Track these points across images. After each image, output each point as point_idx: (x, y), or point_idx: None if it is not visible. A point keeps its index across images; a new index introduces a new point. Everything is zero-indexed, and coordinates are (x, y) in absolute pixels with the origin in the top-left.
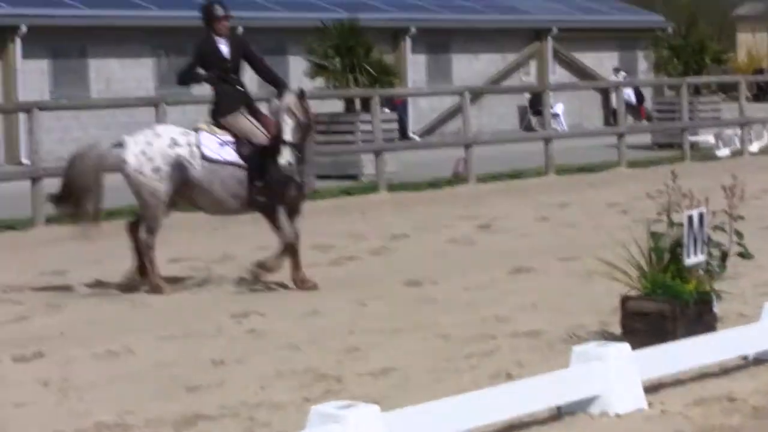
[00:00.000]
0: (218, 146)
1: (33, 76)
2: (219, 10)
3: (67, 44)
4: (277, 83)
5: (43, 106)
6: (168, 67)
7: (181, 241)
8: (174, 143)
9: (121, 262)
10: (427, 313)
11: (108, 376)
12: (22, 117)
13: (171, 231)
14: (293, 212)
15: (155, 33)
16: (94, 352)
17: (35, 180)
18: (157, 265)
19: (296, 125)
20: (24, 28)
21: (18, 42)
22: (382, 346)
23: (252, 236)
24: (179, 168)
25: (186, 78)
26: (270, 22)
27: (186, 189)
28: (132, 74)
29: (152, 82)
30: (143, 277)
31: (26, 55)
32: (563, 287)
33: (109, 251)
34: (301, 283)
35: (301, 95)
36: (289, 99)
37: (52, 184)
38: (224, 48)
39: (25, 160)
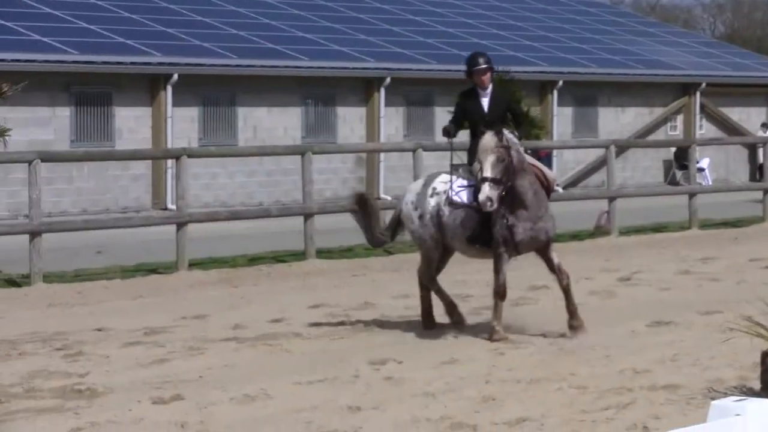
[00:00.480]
0: (462, 189)
1: (183, 124)
2: (480, 62)
3: (216, 92)
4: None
5: (191, 153)
6: (315, 116)
7: (323, 287)
8: (434, 192)
9: (258, 306)
10: (564, 364)
11: (244, 420)
12: (170, 163)
13: (314, 277)
14: (542, 256)
15: (303, 83)
16: (231, 396)
17: (180, 225)
18: (446, 302)
19: (496, 162)
20: (176, 77)
21: (169, 90)
22: (518, 395)
23: (391, 284)
24: (437, 215)
25: (445, 131)
26: (420, 74)
27: (443, 233)
28: (280, 122)
29: (299, 131)
30: (452, 317)
31: (177, 103)
32: (704, 341)
33: (248, 297)
34: (493, 334)
35: (500, 133)
36: (488, 138)
37: (197, 229)
38: (485, 101)
39: (171, 206)
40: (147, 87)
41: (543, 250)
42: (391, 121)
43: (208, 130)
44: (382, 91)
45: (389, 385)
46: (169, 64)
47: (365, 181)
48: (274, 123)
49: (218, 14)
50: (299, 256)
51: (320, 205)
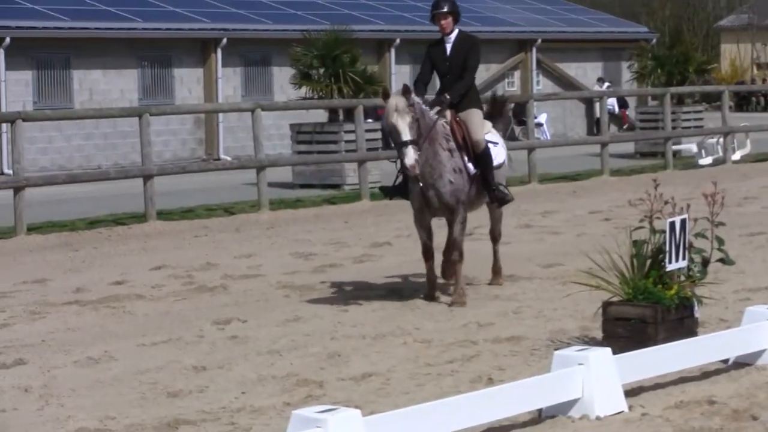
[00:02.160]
0: None
1: (16, 87)
2: (441, 5)
3: (50, 55)
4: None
5: (26, 117)
6: (151, 78)
7: (164, 248)
8: None
9: (99, 269)
10: (409, 319)
11: (89, 383)
12: (5, 127)
13: (155, 239)
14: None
15: (138, 44)
16: (75, 359)
17: (17, 190)
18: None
19: (412, 122)
20: (7, 40)
21: (1, 53)
22: (363, 351)
23: (233, 244)
24: None
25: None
26: (256, 34)
27: None
28: (116, 85)
29: (136, 93)
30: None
31: (9, 66)
32: (545, 294)
33: (89, 260)
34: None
35: (407, 93)
36: (397, 99)
37: (34, 193)
38: (448, 47)
39: (7, 170)
40: None
41: (446, 217)
42: (229, 82)
43: (42, 94)
44: (219, 51)
45: (234, 344)
46: (1, 27)
47: (204, 142)
48: (110, 85)
49: None
50: (140, 218)
51: (160, 166)
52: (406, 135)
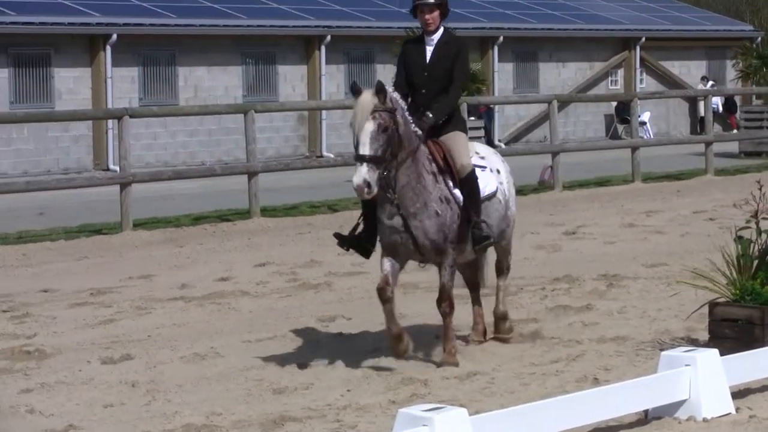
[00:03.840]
0: None
1: (123, 84)
2: None
3: (156, 52)
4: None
5: (133, 113)
6: (255, 75)
7: (269, 245)
8: None
9: (204, 265)
10: (513, 318)
11: (195, 379)
12: (111, 123)
13: (259, 235)
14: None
15: (243, 41)
16: (181, 355)
17: (124, 186)
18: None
19: (377, 132)
20: (115, 37)
21: (109, 50)
22: (468, 350)
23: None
24: None
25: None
26: (359, 31)
27: None
28: (220, 82)
29: (240, 90)
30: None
31: (116, 63)
32: (650, 294)
33: (194, 256)
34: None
35: (382, 91)
36: (366, 98)
37: (140, 189)
38: (429, 49)
39: (113, 166)
40: (86, 47)
41: (428, 259)
42: (333, 79)
43: (148, 91)
44: (323, 48)
45: (339, 342)
46: (108, 24)
47: (308, 139)
48: (214, 82)
49: None
50: (244, 214)
51: (264, 163)
52: (365, 147)
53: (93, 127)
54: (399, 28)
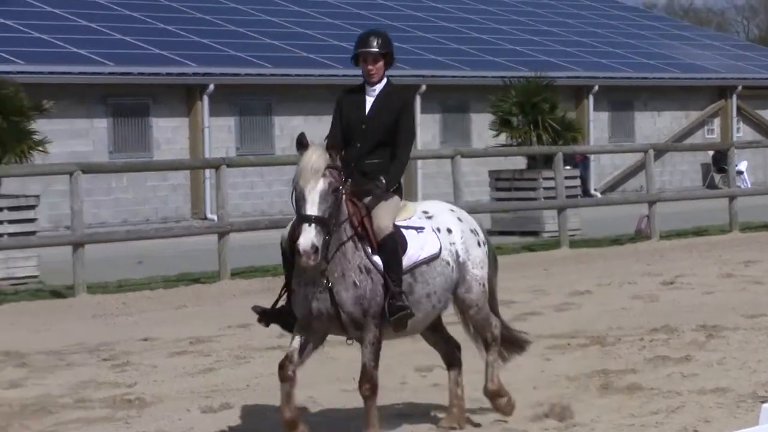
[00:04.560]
0: None
1: (220, 134)
2: (371, 42)
3: (252, 102)
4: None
5: (230, 163)
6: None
7: None
8: None
9: None
10: (611, 368)
11: None
12: (209, 173)
13: None
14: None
15: (338, 91)
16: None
17: (222, 235)
18: None
19: (326, 192)
20: (212, 87)
21: (206, 100)
22: (569, 401)
23: None
24: None
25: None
26: (454, 81)
27: None
28: (316, 131)
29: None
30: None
31: (213, 112)
32: (750, 345)
33: None
34: None
35: (333, 148)
36: (315, 154)
37: (237, 238)
38: (369, 100)
39: (210, 215)
40: (183, 97)
41: (351, 335)
42: (428, 128)
43: (245, 140)
44: (418, 98)
45: (436, 392)
46: (205, 74)
47: (404, 188)
48: (310, 132)
49: (253, 24)
50: None
51: None
52: (313, 207)
53: (191, 176)
54: (494, 77)
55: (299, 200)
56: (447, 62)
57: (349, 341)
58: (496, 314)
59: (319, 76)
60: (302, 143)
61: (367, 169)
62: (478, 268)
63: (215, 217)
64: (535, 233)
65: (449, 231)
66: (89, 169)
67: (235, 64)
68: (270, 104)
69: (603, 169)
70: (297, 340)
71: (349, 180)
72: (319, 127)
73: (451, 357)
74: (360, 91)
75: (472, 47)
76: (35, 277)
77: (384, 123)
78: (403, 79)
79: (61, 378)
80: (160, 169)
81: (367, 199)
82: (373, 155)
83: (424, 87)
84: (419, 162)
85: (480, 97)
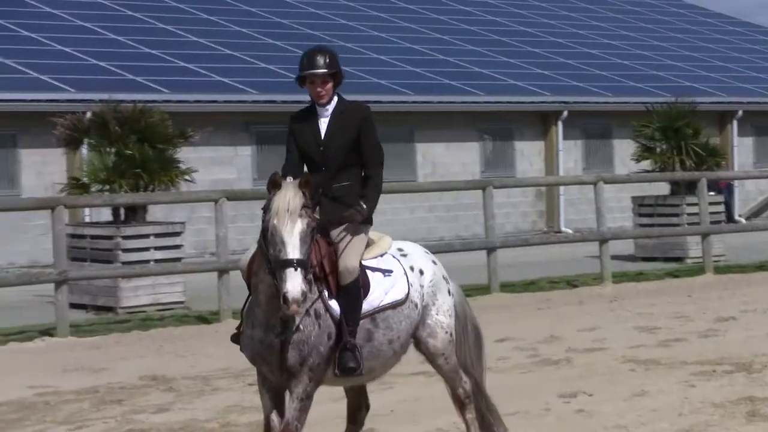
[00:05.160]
0: None
1: None
2: (317, 62)
3: (394, 128)
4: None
5: None
6: (492, 151)
7: (508, 320)
8: None
9: None
10: (758, 396)
11: None
12: None
13: (499, 311)
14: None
15: (481, 117)
16: (424, 430)
17: None
18: None
19: (306, 232)
20: None
21: None
22: (715, 428)
23: (576, 317)
24: None
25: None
26: (597, 107)
27: None
28: (458, 158)
29: (478, 166)
30: None
31: None
32: None
33: None
34: None
35: (308, 185)
36: (290, 192)
37: None
38: (323, 122)
39: None
40: None
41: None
42: (570, 154)
43: (386, 167)
44: (560, 124)
45: (581, 418)
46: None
47: (545, 215)
48: (452, 158)
49: (395, 51)
50: (483, 290)
51: (502, 239)
52: (295, 251)
53: None
54: (636, 103)
55: (277, 244)
56: (589, 88)
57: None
58: (483, 390)
59: (461, 102)
60: (275, 183)
61: (336, 194)
62: (444, 315)
63: None
64: (678, 259)
65: (421, 272)
66: (234, 196)
67: (377, 91)
68: (412, 131)
69: (747, 194)
70: (267, 398)
71: (317, 208)
72: (460, 153)
73: (357, 413)
74: (311, 113)
75: (614, 73)
76: (181, 302)
77: (344, 143)
78: (544, 105)
79: (207, 403)
80: None
81: (335, 232)
82: (340, 178)
83: (566, 113)
84: (561, 188)
85: (622, 122)
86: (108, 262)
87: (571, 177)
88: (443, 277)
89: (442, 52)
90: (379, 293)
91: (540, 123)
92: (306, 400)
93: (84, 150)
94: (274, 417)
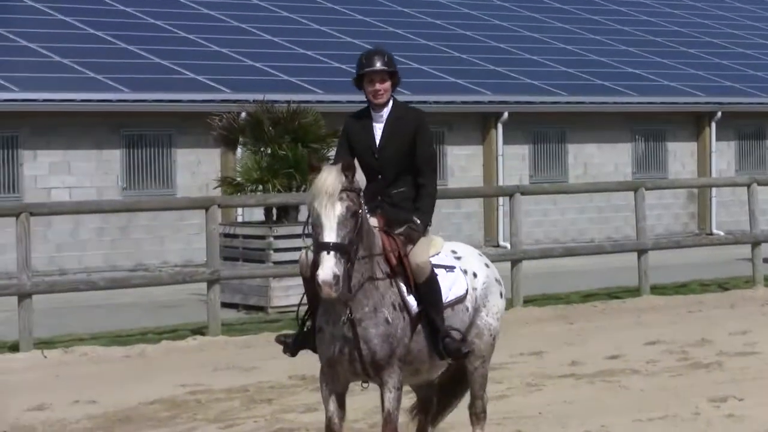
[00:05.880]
0: None
1: (513, 161)
2: (375, 61)
3: (546, 129)
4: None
5: (524, 191)
6: (644, 152)
7: (658, 323)
8: None
9: (594, 343)
10: None
11: None
12: (502, 200)
13: (649, 313)
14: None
15: (633, 118)
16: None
17: (515, 262)
18: None
19: (345, 216)
20: (506, 115)
21: (500, 127)
22: None
23: (727, 320)
24: None
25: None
26: (751, 108)
27: None
28: (610, 158)
29: (629, 167)
30: None
31: (507, 140)
32: None
33: (584, 333)
34: None
35: (349, 169)
36: (331, 176)
37: (529, 266)
38: (378, 126)
39: (503, 243)
40: (478, 125)
41: (371, 378)
42: (723, 156)
43: (538, 167)
44: (713, 125)
45: (731, 423)
46: (500, 102)
47: (697, 216)
48: (604, 159)
49: (548, 52)
50: (633, 292)
51: (654, 240)
52: (331, 234)
53: (484, 204)
54: None
55: (315, 226)
56: (743, 89)
57: (365, 385)
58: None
59: (614, 103)
60: (314, 166)
61: (395, 200)
62: (493, 318)
63: (508, 245)
64: None
65: (475, 275)
66: None
67: (529, 92)
68: (563, 131)
69: None
70: (332, 406)
71: (378, 211)
72: (613, 154)
73: (428, 405)
74: (365, 116)
75: None
76: None
77: (399, 149)
78: (698, 106)
79: (357, 402)
80: (455, 197)
81: (399, 230)
82: (397, 184)
83: (719, 114)
84: (714, 190)
85: None
86: (260, 261)
87: (724, 179)
88: (496, 280)
89: (595, 52)
90: (444, 290)
91: (693, 124)
92: (399, 391)
93: (239, 150)
94: (336, 420)
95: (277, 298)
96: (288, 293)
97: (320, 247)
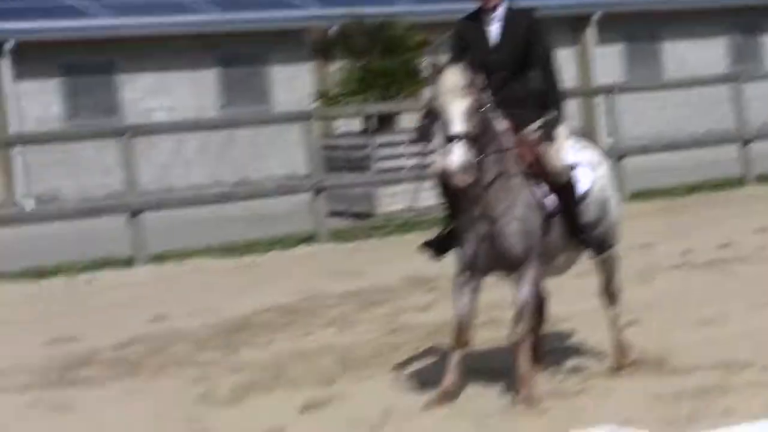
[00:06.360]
0: None
1: (607, 61)
2: None
3: (640, 28)
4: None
5: (622, 87)
6: (740, 46)
7: (766, 211)
8: None
9: (702, 233)
10: None
11: (701, 341)
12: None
13: (755, 202)
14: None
15: (728, 13)
16: (687, 320)
17: (620, 158)
18: None
19: (471, 109)
20: (598, 14)
21: (594, 28)
22: None
23: None
24: None
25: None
26: None
27: None
28: (705, 54)
29: (725, 61)
30: None
31: (601, 41)
32: None
33: (691, 225)
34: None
35: (471, 64)
36: (454, 74)
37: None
38: (493, 30)
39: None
40: (570, 27)
41: (508, 273)
42: None
43: (632, 66)
44: None
45: None
46: (592, 4)
47: None
48: (699, 55)
49: None
50: (736, 183)
51: (757, 130)
52: (459, 124)
53: (581, 104)
54: None
55: (443, 123)
56: None
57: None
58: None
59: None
60: (438, 69)
61: (518, 96)
62: (617, 205)
63: (609, 141)
64: None
65: (596, 166)
66: None
67: None
68: (657, 30)
69: None
70: (463, 298)
71: (503, 111)
72: (705, 52)
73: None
74: (476, 22)
75: None
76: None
77: (513, 49)
78: None
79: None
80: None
81: (529, 132)
82: (513, 84)
83: None
84: None
85: None
86: (362, 170)
87: None
88: (608, 167)
89: None
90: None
91: None
92: (536, 287)
93: (333, 64)
94: (468, 317)
95: (382, 204)
96: (394, 199)
97: (449, 139)
